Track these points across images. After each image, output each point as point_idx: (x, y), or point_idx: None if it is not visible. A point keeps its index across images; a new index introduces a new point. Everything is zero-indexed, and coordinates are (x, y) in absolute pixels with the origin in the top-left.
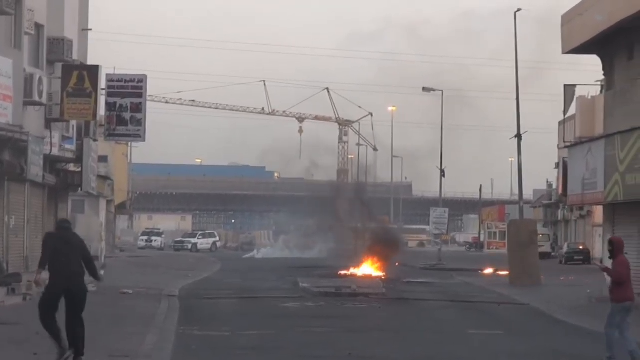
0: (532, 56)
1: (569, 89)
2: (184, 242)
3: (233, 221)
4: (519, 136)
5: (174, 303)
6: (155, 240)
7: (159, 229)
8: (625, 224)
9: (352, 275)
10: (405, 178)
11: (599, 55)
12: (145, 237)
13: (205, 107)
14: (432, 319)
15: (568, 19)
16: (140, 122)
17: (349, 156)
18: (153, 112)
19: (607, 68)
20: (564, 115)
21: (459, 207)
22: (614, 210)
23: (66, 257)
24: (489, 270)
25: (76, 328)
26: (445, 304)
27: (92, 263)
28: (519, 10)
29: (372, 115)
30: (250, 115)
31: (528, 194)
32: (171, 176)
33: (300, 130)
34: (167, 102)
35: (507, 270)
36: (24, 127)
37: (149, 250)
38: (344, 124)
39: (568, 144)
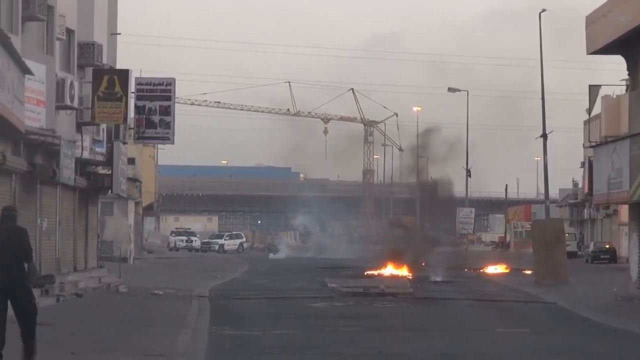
0: (560, 55)
1: (594, 89)
2: (210, 243)
3: (259, 222)
4: (544, 136)
5: (204, 303)
6: (195, 241)
7: (189, 229)
8: None
9: (380, 276)
10: (431, 178)
11: (623, 55)
12: (185, 237)
13: (231, 108)
14: (460, 317)
15: (592, 20)
16: (169, 125)
17: (374, 156)
18: (178, 114)
19: (632, 68)
20: (589, 115)
21: (485, 207)
22: (639, 209)
23: (5, 256)
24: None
25: (26, 338)
26: (472, 303)
27: (30, 262)
28: (543, 10)
29: (397, 116)
30: (276, 116)
31: (554, 193)
32: (197, 177)
33: (325, 131)
34: (192, 104)
35: (532, 270)
36: (56, 131)
37: (176, 252)
38: (369, 125)
39: (593, 143)
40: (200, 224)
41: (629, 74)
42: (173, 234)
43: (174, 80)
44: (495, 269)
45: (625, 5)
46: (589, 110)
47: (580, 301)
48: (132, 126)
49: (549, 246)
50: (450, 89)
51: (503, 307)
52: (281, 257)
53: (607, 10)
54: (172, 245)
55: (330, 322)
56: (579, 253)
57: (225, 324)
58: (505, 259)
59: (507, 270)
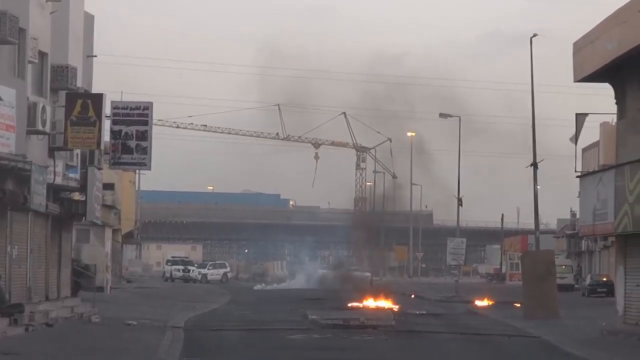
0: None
1: (580, 118)
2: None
3: (246, 251)
4: (534, 165)
5: (178, 334)
6: (192, 270)
7: (187, 257)
8: (636, 255)
9: (365, 307)
10: (426, 206)
11: (611, 83)
12: (181, 267)
13: (218, 132)
14: (437, 351)
15: (579, 47)
16: (145, 151)
17: (367, 183)
18: (164, 137)
19: (619, 96)
20: (575, 144)
21: (482, 237)
22: (625, 241)
23: None
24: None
25: None
26: (453, 337)
27: None
28: (534, 35)
29: (390, 141)
30: (264, 141)
31: (553, 223)
32: (182, 204)
33: (316, 157)
34: (177, 127)
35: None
36: (27, 156)
37: (172, 282)
38: (361, 150)
39: (579, 173)
40: (184, 253)
41: (616, 103)
42: (169, 263)
43: (151, 104)
44: (483, 302)
45: (612, 32)
46: (575, 140)
47: (565, 335)
48: (108, 151)
49: (539, 278)
50: (441, 115)
51: (485, 341)
52: (267, 287)
53: (594, 37)
54: (167, 275)
55: (304, 354)
56: (576, 286)
57: (198, 355)
58: (495, 292)
59: (491, 303)
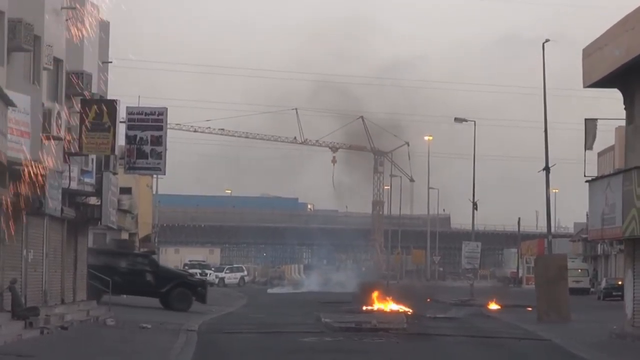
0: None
1: (590, 123)
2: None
3: (264, 254)
4: (547, 169)
5: (191, 337)
6: (210, 274)
7: (204, 261)
8: None
9: (379, 311)
10: (443, 210)
11: (619, 89)
12: (199, 271)
13: (235, 136)
14: (447, 354)
15: (588, 52)
16: (160, 155)
17: (385, 187)
18: (181, 141)
19: (628, 102)
20: (584, 149)
21: (500, 241)
22: (634, 245)
23: None
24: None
25: None
26: (465, 340)
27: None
28: (547, 41)
29: (408, 145)
30: (282, 145)
31: (569, 227)
32: (199, 207)
33: (334, 160)
34: (195, 131)
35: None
36: (42, 161)
37: None
38: (379, 154)
39: (589, 178)
40: (202, 257)
41: (625, 108)
42: (186, 267)
43: (165, 109)
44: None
45: (620, 38)
46: (586, 146)
47: (575, 338)
48: (123, 156)
49: (551, 282)
50: (457, 119)
51: (495, 344)
52: (282, 291)
53: (602, 43)
54: None
55: (316, 356)
56: (592, 290)
57: (210, 358)
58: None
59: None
